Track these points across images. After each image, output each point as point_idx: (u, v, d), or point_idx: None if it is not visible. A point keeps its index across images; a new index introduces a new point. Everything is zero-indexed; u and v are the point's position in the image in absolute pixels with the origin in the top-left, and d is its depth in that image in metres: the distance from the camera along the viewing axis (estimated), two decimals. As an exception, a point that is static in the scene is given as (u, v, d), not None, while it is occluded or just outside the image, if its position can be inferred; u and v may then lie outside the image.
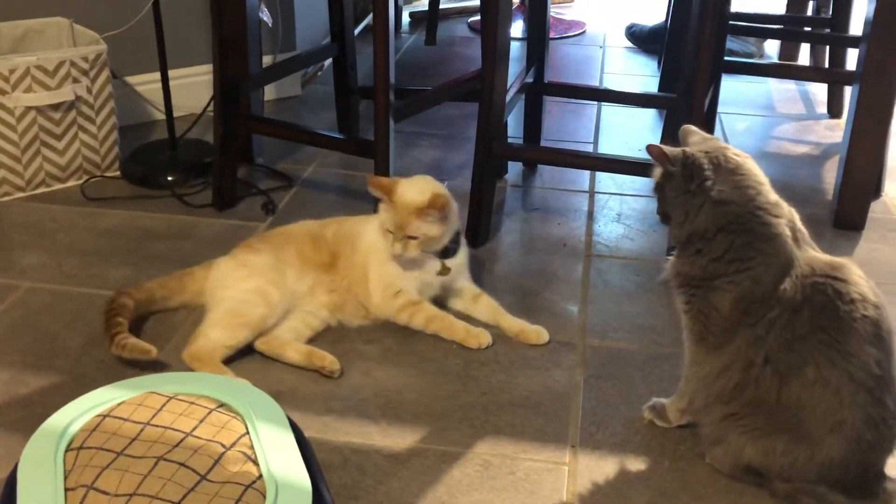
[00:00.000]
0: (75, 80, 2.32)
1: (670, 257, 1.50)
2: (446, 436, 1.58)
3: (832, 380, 1.35)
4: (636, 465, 1.53)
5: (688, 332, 1.50)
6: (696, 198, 1.42)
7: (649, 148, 1.44)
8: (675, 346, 1.80)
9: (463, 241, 1.91)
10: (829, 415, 1.36)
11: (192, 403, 1.23)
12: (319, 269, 1.86)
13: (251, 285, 1.79)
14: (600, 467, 1.52)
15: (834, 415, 1.36)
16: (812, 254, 1.43)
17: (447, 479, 1.48)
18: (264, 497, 1.09)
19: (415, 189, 1.80)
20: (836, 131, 2.96)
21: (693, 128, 1.53)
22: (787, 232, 1.41)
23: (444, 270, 1.86)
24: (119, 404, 1.22)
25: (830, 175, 2.63)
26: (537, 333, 1.84)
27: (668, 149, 1.42)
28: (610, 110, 3.09)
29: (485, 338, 1.80)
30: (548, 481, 1.49)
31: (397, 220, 1.76)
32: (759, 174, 1.45)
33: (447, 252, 1.84)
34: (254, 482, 1.11)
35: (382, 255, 1.84)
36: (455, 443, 1.56)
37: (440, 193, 1.80)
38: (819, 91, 3.26)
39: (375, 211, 2.07)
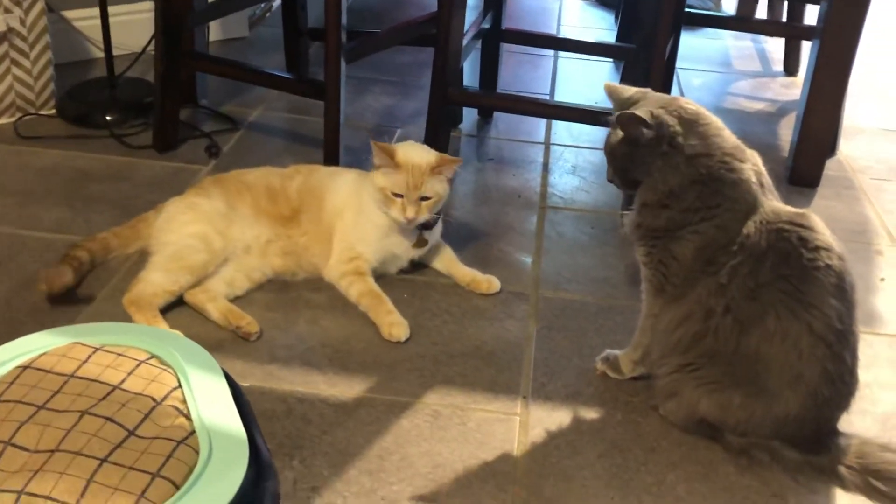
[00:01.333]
0: (7, 11, 2.20)
1: (628, 211, 1.45)
2: (395, 386, 1.53)
3: (792, 331, 1.32)
4: (588, 416, 1.50)
5: (646, 283, 1.46)
6: (669, 157, 1.36)
7: (619, 117, 1.36)
8: (628, 299, 1.78)
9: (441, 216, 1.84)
10: (787, 368, 1.33)
11: (121, 355, 1.16)
12: (276, 222, 1.77)
13: (194, 229, 1.71)
14: (552, 418, 1.49)
15: (792, 368, 1.33)
16: (776, 203, 1.39)
17: (395, 429, 1.44)
18: (197, 453, 1.03)
19: (417, 150, 1.75)
20: (791, 89, 2.95)
21: (617, 85, 1.47)
22: (753, 178, 1.38)
23: (421, 242, 1.79)
24: (41, 355, 1.15)
25: (786, 132, 2.62)
26: (488, 283, 1.80)
27: (642, 113, 1.34)
28: (566, 62, 3.03)
29: (398, 331, 1.65)
30: (499, 432, 1.45)
31: (411, 181, 1.69)
32: (717, 120, 1.41)
33: (427, 224, 1.77)
34: (186, 438, 1.04)
35: (353, 216, 1.77)
36: (404, 393, 1.52)
37: (444, 153, 1.76)
38: (776, 49, 3.25)
39: (327, 161, 2.00)
